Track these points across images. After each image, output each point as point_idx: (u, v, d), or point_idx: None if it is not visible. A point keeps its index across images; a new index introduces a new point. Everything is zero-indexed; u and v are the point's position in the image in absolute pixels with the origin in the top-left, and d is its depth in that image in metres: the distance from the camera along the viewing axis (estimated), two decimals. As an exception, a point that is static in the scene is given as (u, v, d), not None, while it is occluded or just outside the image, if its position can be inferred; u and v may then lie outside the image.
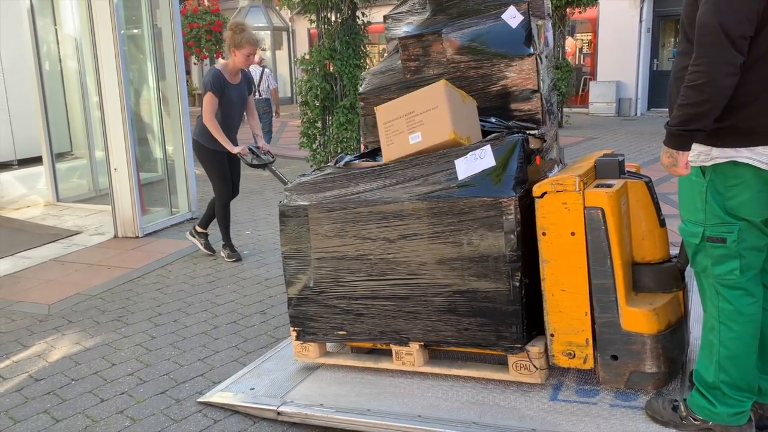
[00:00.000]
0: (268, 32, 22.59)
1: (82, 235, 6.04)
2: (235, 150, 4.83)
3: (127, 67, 5.86)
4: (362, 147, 3.88)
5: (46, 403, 3.07)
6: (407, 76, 3.67)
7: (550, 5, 4.11)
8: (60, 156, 7.68)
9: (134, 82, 6.50)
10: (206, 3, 13.93)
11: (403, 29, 3.83)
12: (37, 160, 7.72)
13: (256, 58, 6.56)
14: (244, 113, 5.17)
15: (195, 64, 16.57)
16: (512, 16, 3.43)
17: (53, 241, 5.82)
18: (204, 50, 11.17)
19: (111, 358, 3.53)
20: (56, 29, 7.58)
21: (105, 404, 3.04)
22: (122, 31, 5.78)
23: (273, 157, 5.04)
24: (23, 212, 6.98)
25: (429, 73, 3.61)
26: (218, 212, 5.17)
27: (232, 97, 4.90)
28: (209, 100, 4.76)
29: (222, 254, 5.28)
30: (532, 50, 3.40)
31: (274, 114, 11.03)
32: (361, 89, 3.89)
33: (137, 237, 5.88)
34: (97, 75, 5.79)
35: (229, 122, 4.94)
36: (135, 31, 6.60)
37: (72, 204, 7.27)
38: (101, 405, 3.03)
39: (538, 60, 3.41)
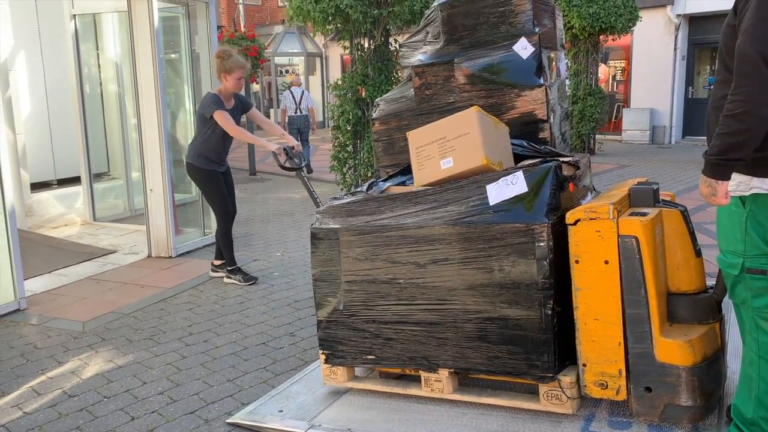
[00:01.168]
0: (302, 58, 22.99)
1: (117, 254, 6.15)
2: (272, 147, 4.82)
3: (165, 91, 6.01)
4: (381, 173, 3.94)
5: (79, 420, 3.11)
6: (419, 103, 3.81)
7: (563, 37, 4.17)
8: (97, 176, 7.87)
9: (171, 105, 6.66)
10: (242, 29, 14.23)
11: (417, 57, 3.93)
12: (75, 180, 7.92)
13: (295, 78, 6.69)
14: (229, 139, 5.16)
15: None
16: (523, 48, 3.53)
17: (89, 260, 5.94)
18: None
19: (142, 376, 3.57)
20: (98, 53, 7.82)
21: (135, 422, 3.07)
22: (161, 56, 5.94)
23: (304, 161, 5.06)
24: (61, 231, 7.15)
25: (441, 101, 3.75)
26: (221, 235, 5.14)
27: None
28: (222, 116, 4.81)
29: (232, 280, 5.19)
30: (542, 81, 3.50)
31: (311, 129, 12.23)
32: (374, 115, 4.03)
33: (170, 257, 5.97)
34: (136, 98, 5.95)
35: (223, 146, 5.02)
36: (173, 55, 6.77)
37: (108, 223, 7.43)
38: (132, 423, 3.06)
39: (548, 90, 3.49)
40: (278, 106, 11.98)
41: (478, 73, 3.62)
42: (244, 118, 5.41)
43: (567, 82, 4.05)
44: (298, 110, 11.82)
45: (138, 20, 5.79)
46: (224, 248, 5.19)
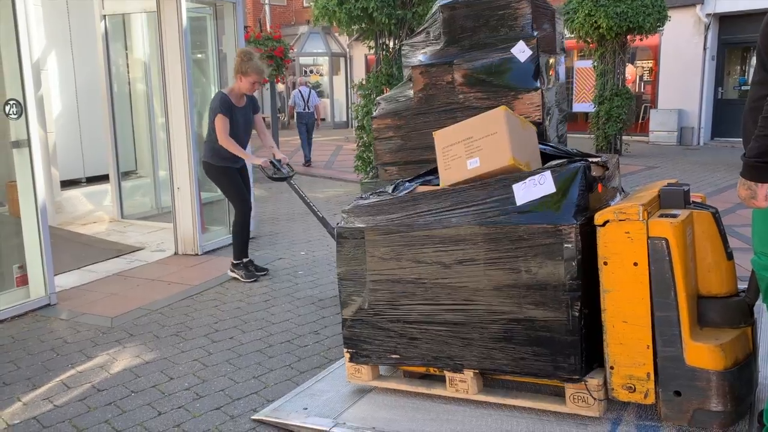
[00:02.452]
0: (326, 58, 23.08)
1: (144, 251, 6.23)
2: (258, 161, 4.98)
3: (192, 90, 6.08)
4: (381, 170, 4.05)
5: (107, 414, 3.16)
6: (418, 103, 3.91)
7: (564, 41, 4.27)
8: (125, 174, 7.98)
9: (198, 105, 6.73)
10: (269, 30, 14.33)
11: (417, 58, 4.02)
12: (103, 178, 8.04)
13: (301, 79, 6.82)
14: (244, 138, 5.25)
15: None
16: (521, 51, 3.61)
17: (117, 256, 6.03)
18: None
19: (169, 372, 3.61)
20: (127, 53, 7.93)
21: (162, 417, 3.11)
22: (189, 55, 6.00)
23: (292, 171, 5.17)
24: (89, 228, 7.26)
25: (439, 102, 3.85)
26: (239, 228, 5.23)
27: (239, 119, 5.08)
28: (221, 122, 4.92)
29: (235, 274, 5.27)
30: (538, 84, 3.57)
31: (316, 124, 13.53)
32: (374, 113, 4.12)
33: (196, 254, 6.03)
34: (164, 97, 6.02)
35: (237, 143, 5.07)
36: (200, 55, 6.84)
37: (135, 221, 7.53)
38: (159, 418, 3.10)
39: (544, 94, 3.58)
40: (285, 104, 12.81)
41: (477, 74, 3.70)
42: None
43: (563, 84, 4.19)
44: (306, 107, 12.83)
45: (167, 20, 5.86)
46: (238, 240, 5.26)
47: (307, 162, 12.74)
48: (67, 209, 7.74)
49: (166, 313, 4.58)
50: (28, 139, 4.54)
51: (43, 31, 7.68)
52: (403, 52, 4.26)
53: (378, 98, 4.22)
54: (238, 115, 5.06)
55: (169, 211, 6.32)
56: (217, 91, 5.20)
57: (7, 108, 4.44)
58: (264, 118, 20.32)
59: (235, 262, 5.30)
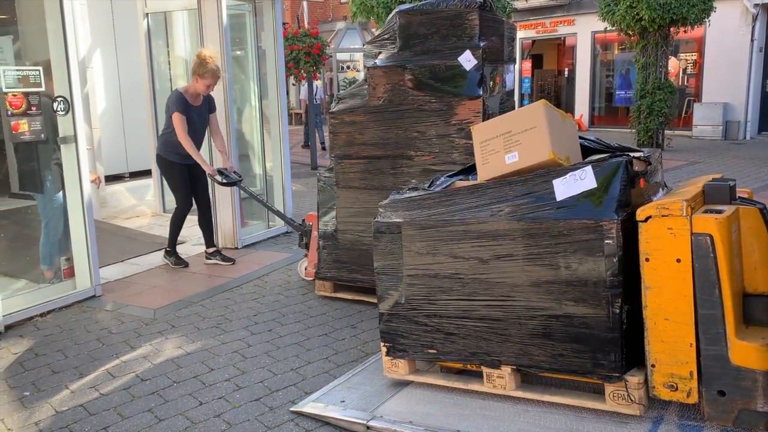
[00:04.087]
0: (363, 54, 23.09)
1: (185, 244, 6.35)
2: (207, 169, 5.29)
3: (232, 87, 6.16)
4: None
5: (150, 403, 3.24)
6: (371, 102, 4.25)
7: (514, 50, 4.59)
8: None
9: (237, 101, 6.82)
10: (306, 26, 14.43)
11: (374, 60, 4.32)
12: (146, 173, 8.22)
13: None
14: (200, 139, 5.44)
15: (293, 84, 17.23)
16: (467, 60, 3.91)
17: (159, 250, 6.15)
18: (302, 71, 11.55)
19: (210, 363, 3.68)
20: (168, 50, 8.08)
21: (203, 407, 3.17)
22: (229, 52, 6.08)
23: (240, 176, 5.44)
24: (133, 221, 7.43)
25: (391, 101, 4.18)
26: (175, 219, 5.46)
27: (194, 117, 5.24)
28: (178, 120, 5.10)
29: (167, 261, 5.55)
30: (481, 92, 3.88)
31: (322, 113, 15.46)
32: (332, 109, 4.45)
33: (236, 248, 6.13)
34: (205, 94, 6.10)
35: (193, 141, 5.24)
36: (239, 52, 6.93)
37: (176, 215, 7.65)
38: (200, 408, 3.17)
39: (485, 102, 3.91)
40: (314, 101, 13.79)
41: (426, 79, 4.02)
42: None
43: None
44: (315, 100, 14.41)
45: (207, 18, 5.95)
46: (171, 229, 5.51)
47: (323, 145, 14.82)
48: (111, 203, 7.94)
49: (207, 305, 4.66)
50: (75, 135, 4.67)
51: (89, 30, 7.87)
52: (364, 53, 4.49)
53: (340, 93, 4.57)
54: (194, 113, 5.25)
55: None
56: (174, 89, 5.39)
57: (55, 105, 4.57)
58: (300, 114, 21.27)
59: (168, 249, 5.59)
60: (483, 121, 3.81)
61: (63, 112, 4.62)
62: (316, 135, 13.48)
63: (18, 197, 5.68)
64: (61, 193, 4.75)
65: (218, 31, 5.91)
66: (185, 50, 8.02)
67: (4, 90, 4.28)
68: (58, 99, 4.58)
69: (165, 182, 5.93)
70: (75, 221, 4.77)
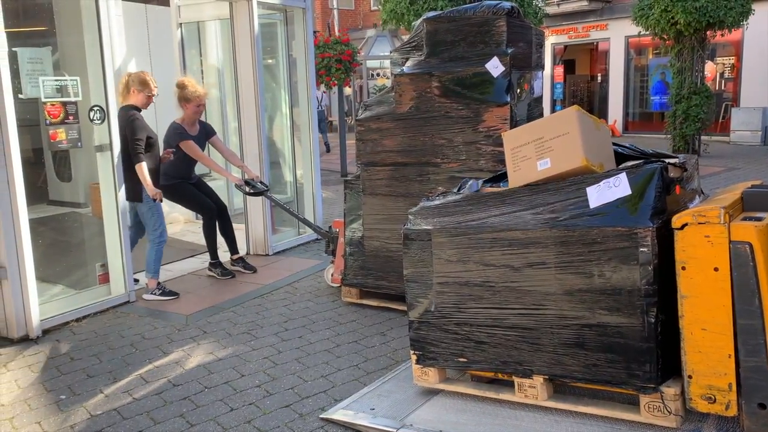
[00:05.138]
0: (393, 60, 23.11)
1: (218, 251, 6.41)
2: (234, 180, 5.42)
3: (264, 95, 6.22)
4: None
5: (182, 408, 3.27)
6: (398, 109, 4.26)
7: (542, 56, 4.53)
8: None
9: (268, 109, 6.88)
10: (337, 34, 14.52)
11: (401, 67, 4.33)
12: (180, 181, 8.32)
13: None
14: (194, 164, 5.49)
15: (324, 92, 17.36)
16: (495, 66, 3.91)
17: (191, 256, 6.24)
18: (334, 78, 11.63)
19: (240, 369, 3.71)
20: (201, 59, 8.20)
21: (234, 413, 3.19)
22: (260, 61, 6.14)
23: (266, 186, 5.46)
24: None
25: (418, 108, 4.18)
26: (205, 230, 5.48)
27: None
28: (189, 145, 5.22)
29: (212, 273, 5.55)
30: (508, 99, 3.87)
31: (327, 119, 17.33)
32: (358, 116, 4.47)
33: (267, 255, 6.17)
34: (237, 102, 6.19)
35: (189, 167, 5.39)
36: (270, 60, 7.00)
37: (209, 222, 7.74)
38: (231, 414, 3.19)
39: (513, 108, 3.91)
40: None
41: (453, 86, 4.02)
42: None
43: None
44: (320, 106, 15.79)
45: (239, 27, 6.03)
46: (207, 241, 5.53)
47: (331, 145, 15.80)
48: (145, 210, 8.06)
49: (238, 311, 4.70)
50: (110, 143, 4.76)
51: (124, 40, 8.03)
52: (391, 60, 4.55)
53: (366, 101, 4.57)
54: (194, 141, 5.34)
55: (241, 213, 6.49)
56: (172, 121, 5.37)
57: (92, 113, 4.67)
58: (331, 121, 21.71)
59: (212, 261, 5.59)
60: (510, 127, 3.80)
61: (99, 121, 4.71)
62: (320, 138, 13.94)
63: (55, 204, 5.82)
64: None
65: (250, 39, 5.98)
66: (217, 59, 8.14)
67: (44, 100, 4.39)
68: (95, 108, 4.68)
69: (183, 206, 6.05)
70: (110, 227, 4.86)
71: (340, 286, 4.83)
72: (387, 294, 4.53)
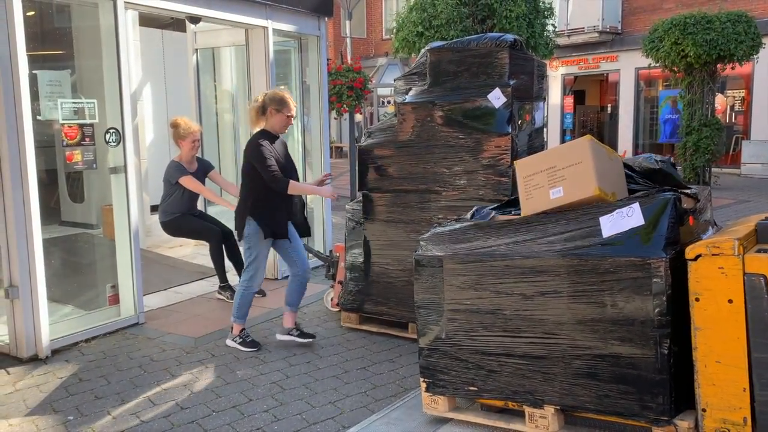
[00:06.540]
0: (405, 88, 23.31)
1: (227, 274, 6.42)
2: (223, 203, 5.45)
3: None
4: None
5: None
6: (401, 136, 4.29)
7: (545, 88, 4.68)
8: (211, 201, 8.28)
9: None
10: (349, 61, 14.70)
11: (404, 96, 4.36)
12: (191, 204, 8.37)
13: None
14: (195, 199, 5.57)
15: (335, 119, 17.53)
16: (496, 98, 3.94)
17: (201, 279, 6.25)
18: (345, 105, 11.73)
19: (248, 393, 3.69)
20: (215, 85, 8.31)
21: (241, 438, 3.17)
22: (275, 87, 6.22)
23: None
24: (176, 251, 7.57)
25: (420, 137, 4.22)
26: (212, 254, 5.51)
27: None
28: (189, 180, 5.31)
29: (223, 296, 5.55)
30: (509, 129, 3.90)
31: None
32: (361, 143, 4.49)
33: (276, 279, 6.17)
34: (251, 127, 6.23)
35: (191, 202, 5.48)
36: (283, 87, 7.08)
37: (219, 245, 7.77)
38: (238, 438, 3.17)
39: (514, 139, 3.93)
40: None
41: (455, 116, 4.05)
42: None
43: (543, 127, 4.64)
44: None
45: (254, 54, 6.11)
46: (215, 266, 5.55)
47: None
48: (155, 232, 8.08)
49: (246, 335, 4.68)
50: (125, 166, 4.81)
51: (140, 65, 8.16)
52: (394, 88, 4.59)
53: (370, 128, 4.60)
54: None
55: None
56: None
57: (107, 135, 4.73)
58: (341, 147, 21.43)
59: (221, 285, 5.61)
60: (511, 158, 3.84)
61: (114, 144, 4.77)
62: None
63: (67, 225, 5.86)
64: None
65: (264, 66, 6.06)
66: (232, 85, 8.24)
67: (61, 121, 4.45)
68: (111, 131, 4.74)
69: (188, 237, 6.06)
70: (121, 249, 4.88)
71: (340, 311, 4.83)
72: (387, 320, 4.52)
